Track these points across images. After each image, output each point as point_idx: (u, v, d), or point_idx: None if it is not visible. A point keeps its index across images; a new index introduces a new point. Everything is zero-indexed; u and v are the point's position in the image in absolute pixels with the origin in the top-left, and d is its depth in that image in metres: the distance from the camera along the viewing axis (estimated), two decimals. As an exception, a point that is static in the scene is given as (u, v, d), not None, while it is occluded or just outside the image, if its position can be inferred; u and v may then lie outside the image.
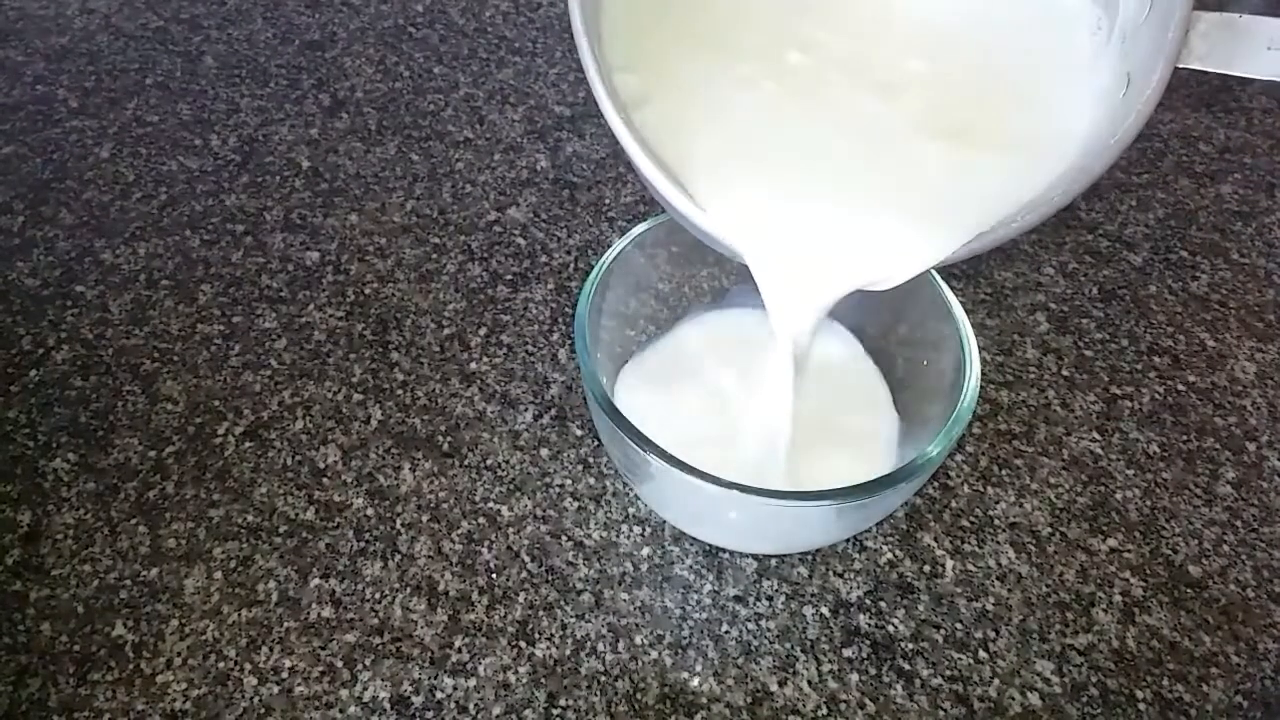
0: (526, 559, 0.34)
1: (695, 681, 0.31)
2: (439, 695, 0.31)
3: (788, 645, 0.32)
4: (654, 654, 0.32)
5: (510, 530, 0.35)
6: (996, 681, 0.32)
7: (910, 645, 0.32)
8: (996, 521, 0.35)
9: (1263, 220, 0.47)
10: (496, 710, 0.30)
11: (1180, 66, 0.24)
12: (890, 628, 0.33)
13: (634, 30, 0.29)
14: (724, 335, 0.37)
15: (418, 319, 0.41)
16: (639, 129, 0.27)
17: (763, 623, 0.33)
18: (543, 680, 0.31)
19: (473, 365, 0.40)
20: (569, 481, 0.36)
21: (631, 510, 0.35)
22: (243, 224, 0.45)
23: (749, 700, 0.31)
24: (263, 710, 0.30)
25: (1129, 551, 0.35)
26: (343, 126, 0.50)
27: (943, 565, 0.34)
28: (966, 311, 0.32)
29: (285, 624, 0.32)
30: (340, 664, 0.31)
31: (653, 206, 0.46)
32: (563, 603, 0.33)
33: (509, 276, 0.43)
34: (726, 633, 0.32)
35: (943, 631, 0.33)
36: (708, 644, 0.32)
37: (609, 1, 0.28)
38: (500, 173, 0.48)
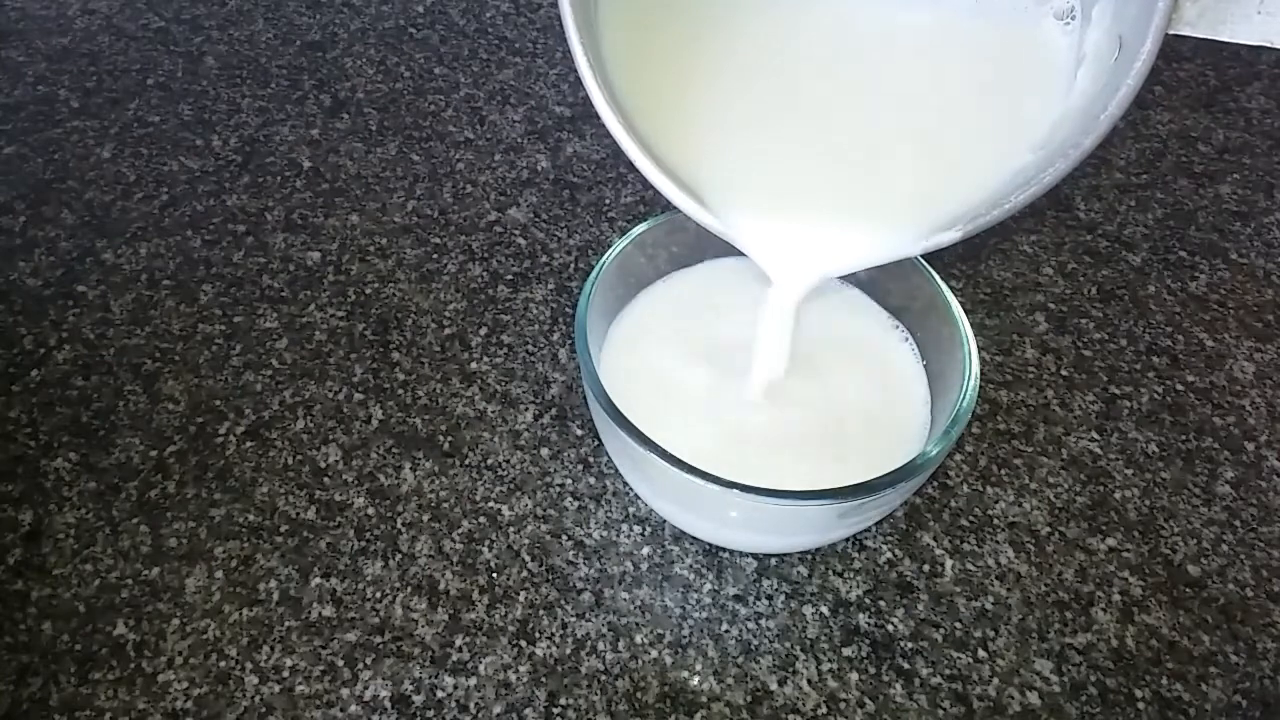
0: (527, 558, 0.34)
1: (695, 680, 0.31)
2: (440, 694, 0.31)
3: (787, 644, 0.32)
4: (654, 653, 0.32)
5: (511, 529, 0.35)
6: (996, 680, 0.32)
7: (910, 644, 0.32)
8: (995, 521, 0.35)
9: (1261, 220, 0.47)
10: (497, 709, 0.31)
11: (1171, 33, 0.24)
12: (890, 627, 0.33)
13: (627, 23, 0.29)
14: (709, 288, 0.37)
15: (418, 319, 0.41)
16: (631, 119, 0.28)
17: (762, 622, 0.33)
18: (543, 679, 0.31)
19: (473, 365, 0.40)
20: (569, 481, 0.36)
21: (631, 510, 0.35)
22: (244, 224, 0.45)
23: (749, 699, 0.31)
24: (264, 709, 0.30)
25: (1128, 551, 0.35)
26: (344, 127, 0.50)
27: (942, 564, 0.34)
28: (966, 311, 0.32)
29: (286, 623, 0.32)
30: (341, 663, 0.31)
31: (653, 206, 0.46)
32: (563, 602, 0.33)
33: (509, 276, 0.43)
34: (726, 632, 0.32)
35: (942, 631, 0.33)
36: (708, 643, 0.32)
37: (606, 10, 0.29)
38: (501, 173, 0.48)
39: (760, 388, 0.33)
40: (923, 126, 0.30)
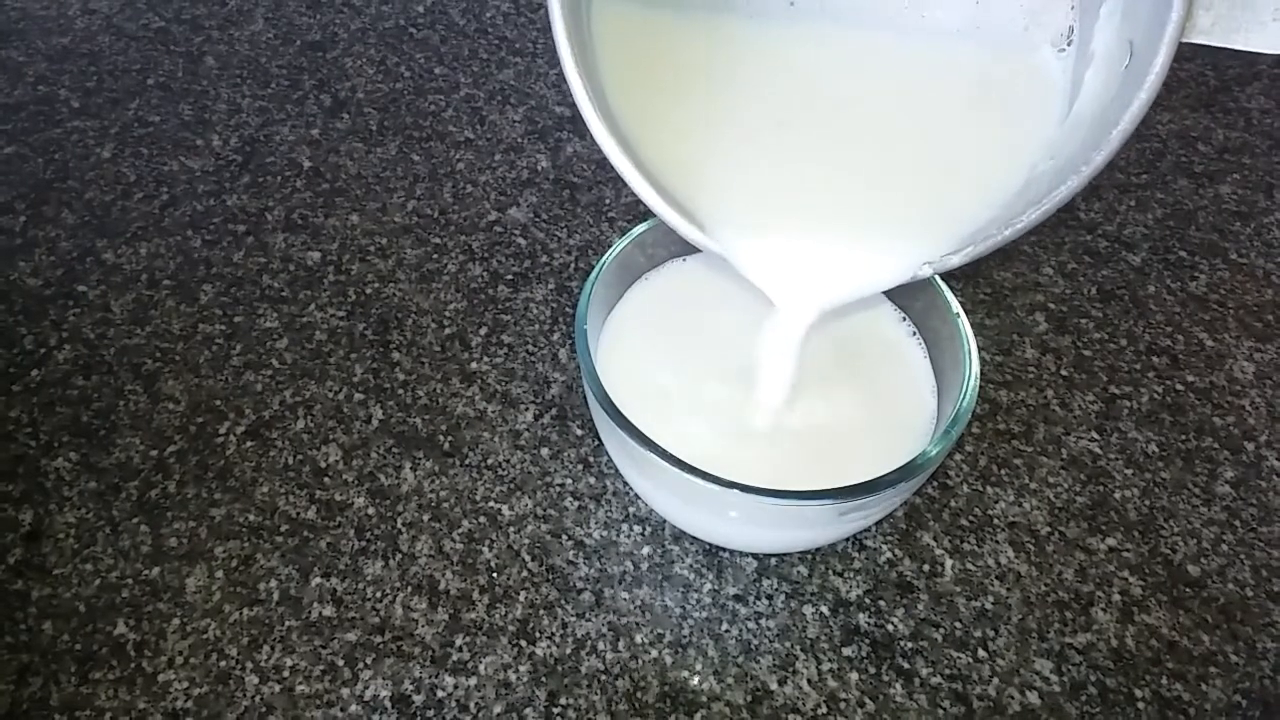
0: (527, 558, 0.34)
1: (695, 680, 0.31)
2: (440, 694, 0.31)
3: (787, 644, 0.32)
4: (654, 653, 0.32)
5: (511, 529, 0.35)
6: (995, 680, 0.32)
7: (910, 644, 0.32)
8: (996, 521, 0.35)
9: (1261, 220, 0.47)
10: (497, 709, 0.31)
11: (1185, 41, 0.24)
12: (890, 627, 0.33)
13: (623, 47, 0.29)
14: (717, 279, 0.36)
15: (419, 319, 0.41)
16: (629, 143, 0.28)
17: (762, 621, 0.33)
18: (543, 679, 0.31)
19: (473, 365, 0.40)
20: (569, 481, 0.36)
21: (631, 510, 0.35)
22: (244, 224, 0.45)
23: (749, 699, 0.31)
24: (264, 709, 0.30)
25: (1128, 551, 0.35)
26: (344, 127, 0.50)
27: (942, 564, 0.34)
28: (966, 311, 0.32)
29: (286, 623, 0.32)
30: (341, 663, 0.31)
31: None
32: (563, 602, 0.33)
33: (509, 276, 0.43)
34: (726, 631, 0.32)
35: (942, 630, 0.33)
36: (708, 643, 0.32)
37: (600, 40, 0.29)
38: (501, 173, 0.48)
39: (764, 410, 0.33)
40: (920, 151, 0.30)
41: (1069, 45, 0.28)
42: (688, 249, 0.37)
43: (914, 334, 0.35)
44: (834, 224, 0.30)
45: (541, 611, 0.33)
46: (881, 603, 0.33)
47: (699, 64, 0.31)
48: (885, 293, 0.36)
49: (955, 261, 0.27)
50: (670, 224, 0.28)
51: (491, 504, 0.35)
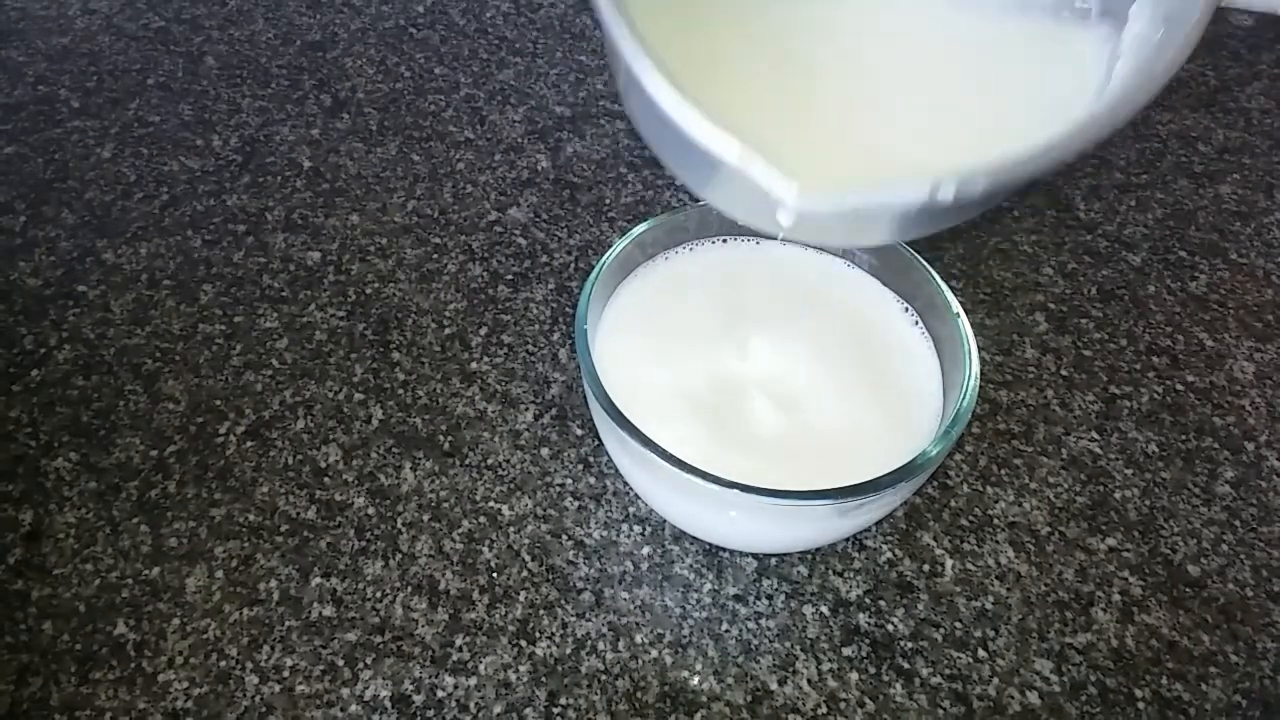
0: (527, 558, 0.34)
1: (695, 680, 0.31)
2: (440, 694, 0.31)
3: (787, 644, 0.32)
4: (654, 653, 0.32)
5: (511, 529, 0.35)
6: (996, 680, 0.32)
7: (910, 644, 0.32)
8: (996, 521, 0.35)
9: (1261, 220, 0.47)
10: (497, 709, 0.31)
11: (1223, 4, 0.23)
12: (890, 627, 0.33)
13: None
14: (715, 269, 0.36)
15: (419, 319, 0.41)
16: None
17: (762, 621, 0.33)
18: (543, 679, 0.31)
19: (473, 365, 0.40)
20: (569, 481, 0.36)
21: (631, 509, 0.35)
22: (244, 224, 0.45)
23: (749, 699, 0.31)
24: (264, 709, 0.30)
25: (1128, 551, 0.35)
26: (344, 127, 0.50)
27: (942, 564, 0.34)
28: (966, 311, 0.32)
29: (286, 623, 0.32)
30: (341, 663, 0.31)
31: (652, 207, 0.46)
32: (563, 601, 0.33)
33: (510, 276, 0.43)
34: (726, 631, 0.32)
35: (942, 630, 0.33)
36: (708, 643, 0.32)
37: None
38: (501, 173, 0.48)
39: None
40: (952, 107, 0.29)
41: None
42: (685, 245, 0.37)
43: (918, 325, 0.35)
44: (860, 117, 0.28)
45: (541, 611, 0.33)
46: (881, 603, 0.33)
47: (735, 28, 0.30)
48: (890, 289, 0.36)
49: (980, 186, 0.26)
50: (674, 115, 0.27)
51: (491, 504, 0.35)
